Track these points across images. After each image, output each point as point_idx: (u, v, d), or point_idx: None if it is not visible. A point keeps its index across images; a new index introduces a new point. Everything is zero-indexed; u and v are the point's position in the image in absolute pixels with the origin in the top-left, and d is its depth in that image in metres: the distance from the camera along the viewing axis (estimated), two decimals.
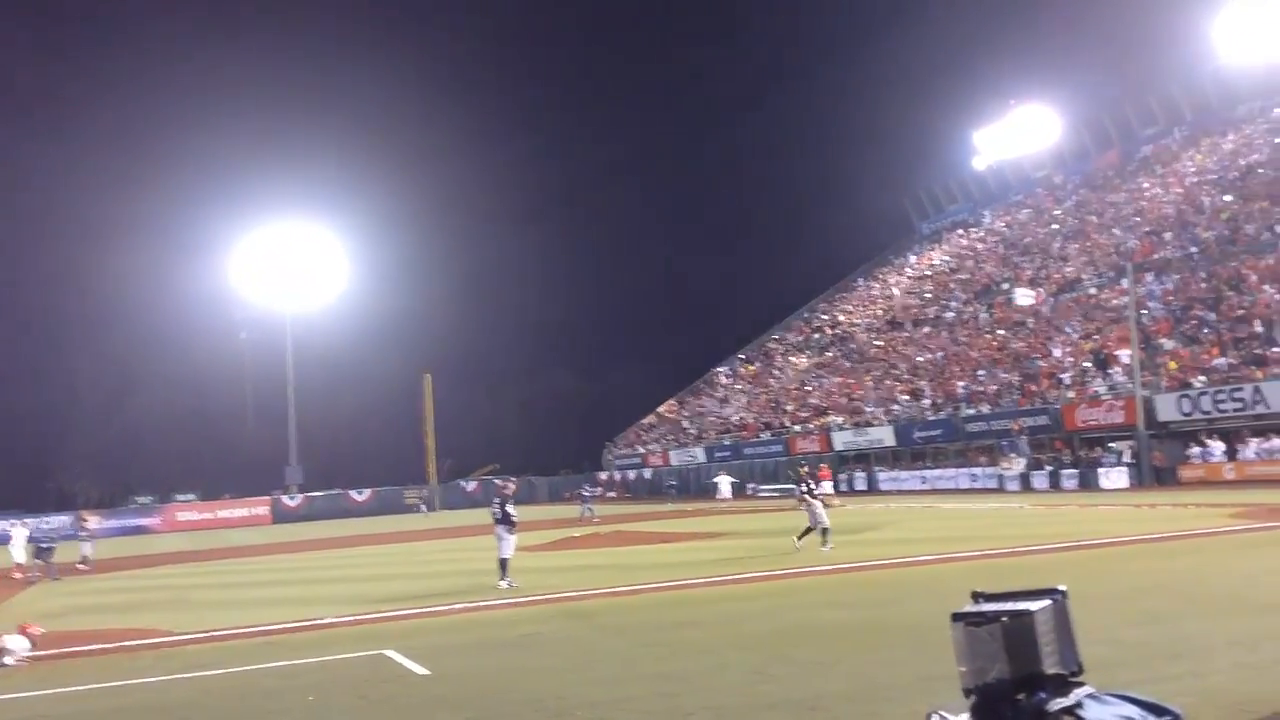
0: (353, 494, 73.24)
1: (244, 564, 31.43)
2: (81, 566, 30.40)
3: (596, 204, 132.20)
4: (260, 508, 69.93)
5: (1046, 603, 2.62)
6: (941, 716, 2.67)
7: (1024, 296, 55.61)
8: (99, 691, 11.43)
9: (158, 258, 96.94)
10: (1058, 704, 2.44)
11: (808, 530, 22.35)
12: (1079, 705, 2.44)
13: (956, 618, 2.57)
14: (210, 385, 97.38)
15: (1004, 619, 2.56)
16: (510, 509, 18.99)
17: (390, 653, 12.29)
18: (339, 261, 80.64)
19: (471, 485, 77.17)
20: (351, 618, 16.00)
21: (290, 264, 77.63)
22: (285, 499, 71.92)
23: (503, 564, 18.65)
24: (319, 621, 15.79)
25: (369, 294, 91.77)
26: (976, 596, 2.70)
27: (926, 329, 65.49)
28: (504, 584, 18.31)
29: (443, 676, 10.92)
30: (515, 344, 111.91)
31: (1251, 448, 37.93)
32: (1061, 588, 2.64)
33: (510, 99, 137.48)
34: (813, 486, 23.06)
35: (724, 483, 52.18)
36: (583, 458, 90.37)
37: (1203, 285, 46.77)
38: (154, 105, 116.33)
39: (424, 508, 62.99)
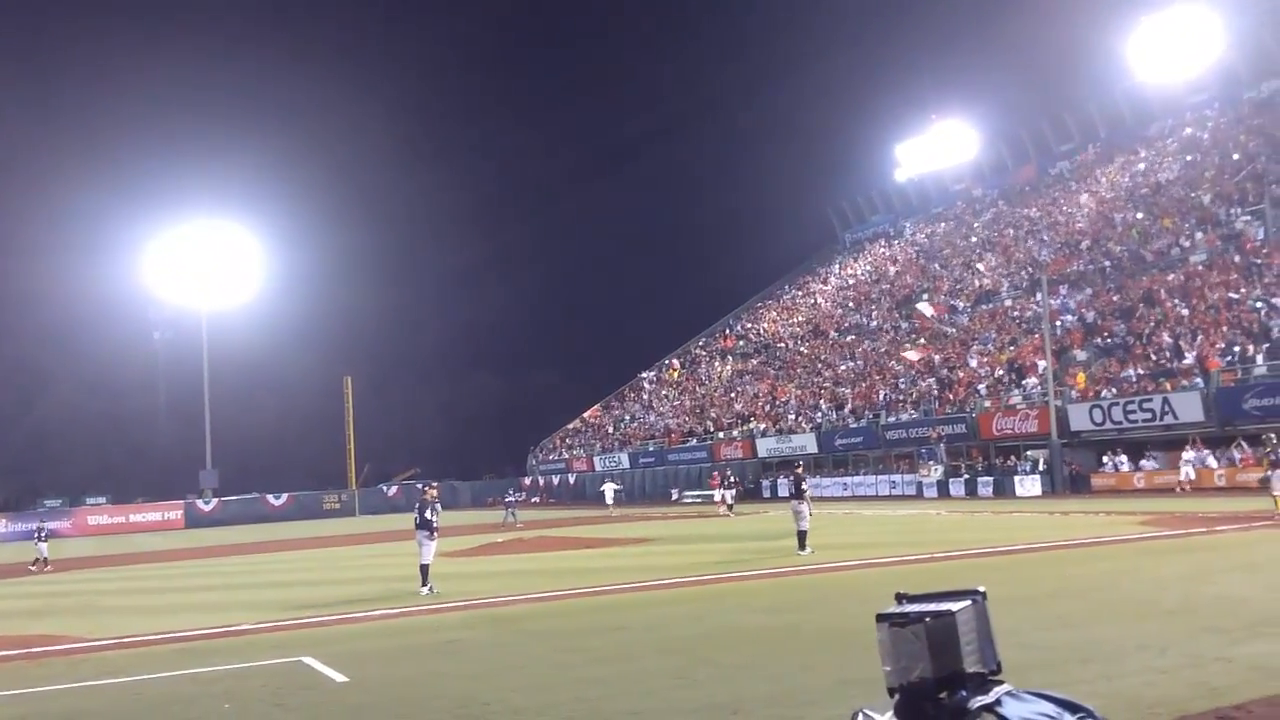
0: (270, 498, 72.01)
1: (157, 569, 30.70)
2: None
3: (524, 207, 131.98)
4: (173, 512, 68.41)
5: (967, 603, 2.69)
6: (867, 715, 2.72)
7: (925, 307, 56.93)
8: (4, 700, 11.07)
9: (68, 256, 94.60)
10: (978, 701, 2.51)
11: (802, 535, 21.85)
12: (998, 702, 2.51)
13: (881, 618, 2.62)
14: (122, 386, 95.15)
15: (927, 619, 2.62)
16: (431, 514, 18.81)
17: (308, 660, 12.09)
18: (257, 261, 79.39)
19: (392, 490, 76.33)
20: (269, 624, 15.72)
21: (206, 263, 76.10)
22: (200, 503, 70.43)
23: (424, 570, 18.47)
24: (235, 628, 15.49)
25: (288, 294, 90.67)
26: (900, 598, 2.76)
27: (849, 337, 66.35)
28: (425, 590, 18.14)
29: (362, 684, 10.77)
30: (439, 347, 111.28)
31: (1160, 458, 39.09)
32: (981, 589, 2.71)
33: (438, 99, 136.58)
34: (804, 490, 22.37)
35: (608, 490, 52.60)
36: (506, 462, 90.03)
37: (1114, 299, 48.05)
38: (64, 102, 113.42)
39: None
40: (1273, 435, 27.49)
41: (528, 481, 78.88)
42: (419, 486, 21.93)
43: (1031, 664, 9.37)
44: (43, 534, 34.04)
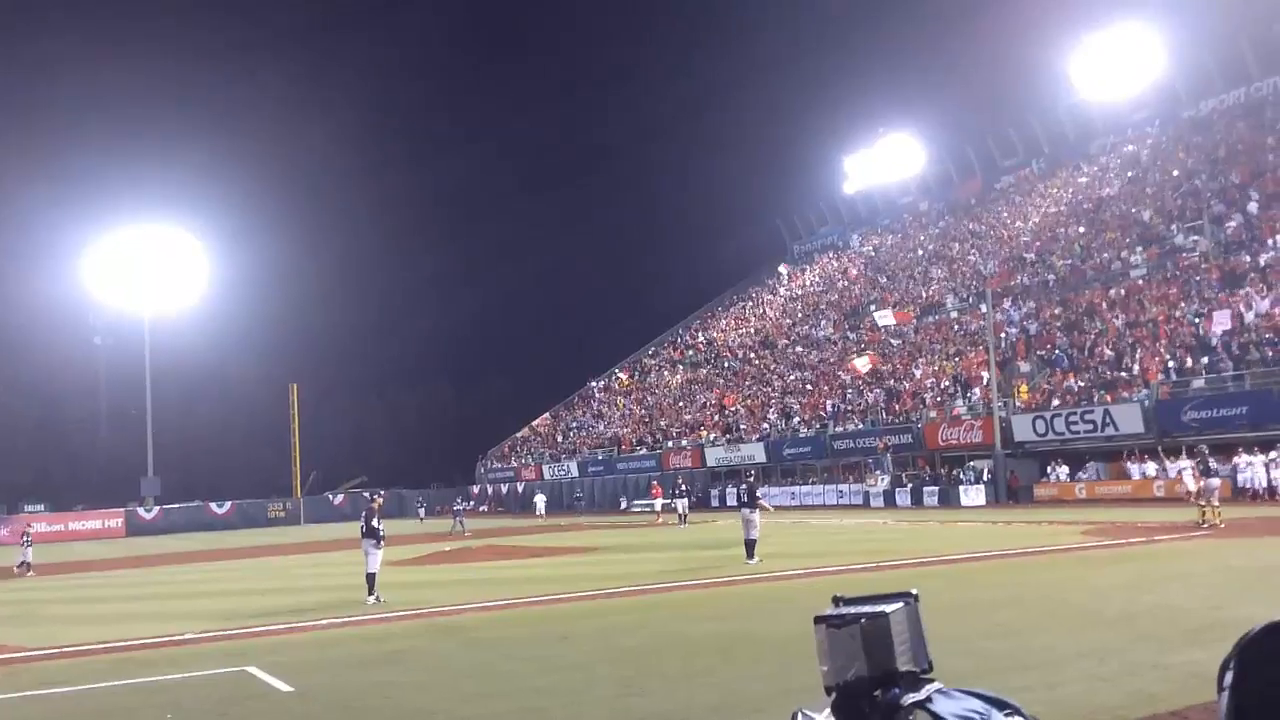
0: (213, 506, 70.95)
1: (97, 578, 30.15)
2: None
3: (475, 217, 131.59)
4: (114, 520, 67.18)
5: (900, 605, 2.81)
6: (806, 715, 2.81)
7: (884, 317, 57.43)
8: None
9: (5, 258, 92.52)
10: (910, 698, 2.62)
11: (749, 544, 21.98)
12: (929, 699, 2.61)
13: (819, 620, 2.72)
14: (62, 392, 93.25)
15: (863, 621, 2.73)
16: (377, 523, 18.72)
17: (253, 669, 11.96)
18: (201, 265, 78.20)
19: (338, 498, 75.61)
20: (212, 633, 15.51)
21: (148, 267, 74.83)
22: (141, 511, 69.22)
23: (370, 579, 18.33)
24: (178, 637, 15.26)
25: (233, 300, 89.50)
26: (837, 600, 2.86)
27: (798, 348, 66.82)
28: (371, 599, 18.00)
29: (307, 693, 10.67)
30: (387, 354, 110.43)
31: (1100, 468, 39.75)
32: (914, 592, 2.82)
33: (389, 108, 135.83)
34: (757, 499, 22.74)
35: (540, 502, 56.75)
36: (455, 471, 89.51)
37: (1057, 312, 48.86)
38: (4, 101, 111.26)
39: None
40: (1204, 447, 28.09)
41: (476, 490, 78.47)
42: (366, 495, 21.79)
43: (974, 671, 9.50)
44: (28, 538, 34.02)
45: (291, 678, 11.29)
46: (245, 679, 11.58)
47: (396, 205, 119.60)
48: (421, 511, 60.40)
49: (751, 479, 23.67)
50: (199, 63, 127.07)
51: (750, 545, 21.96)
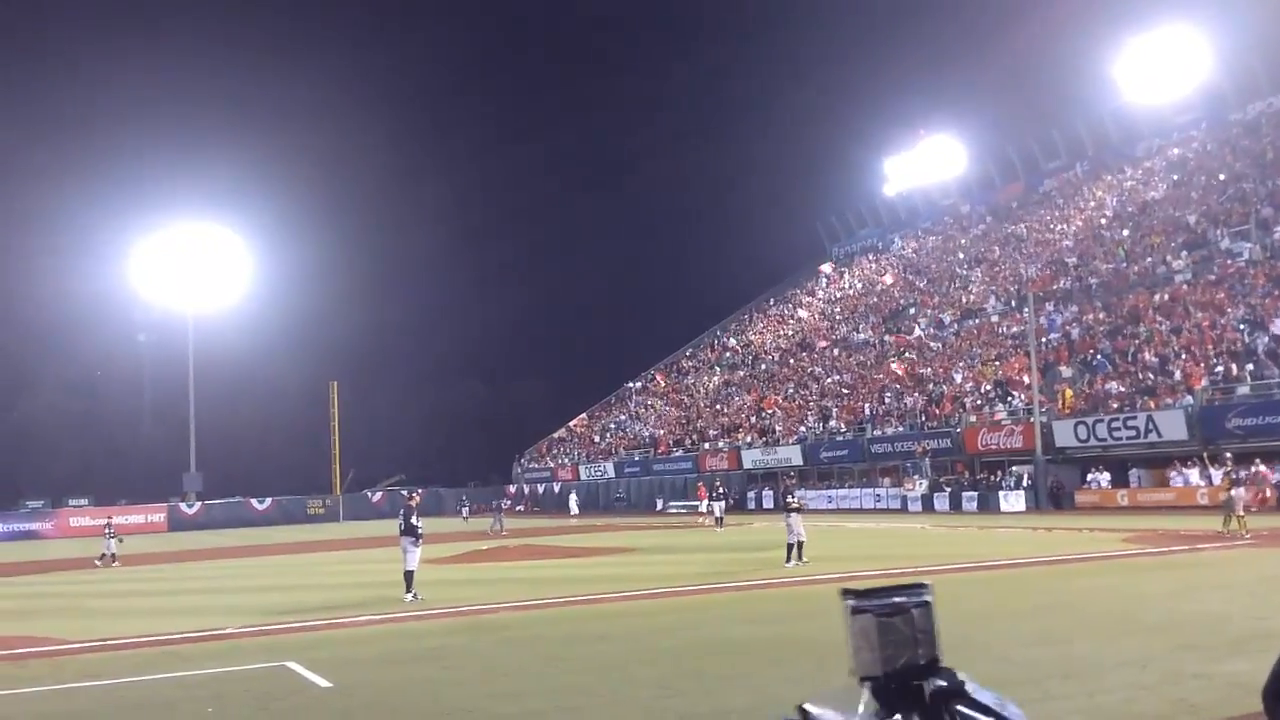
0: (253, 502, 71.74)
1: (140, 572, 30.56)
2: None
3: (514, 214, 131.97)
4: (157, 515, 68.02)
5: (928, 595, 2.83)
6: (805, 710, 2.82)
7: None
8: None
9: (54, 255, 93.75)
10: (949, 685, 2.63)
11: (790, 548, 22.05)
12: (969, 687, 2.63)
13: (859, 609, 2.71)
14: (107, 387, 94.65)
15: (914, 609, 2.74)
16: (415, 521, 18.86)
17: (292, 664, 12.08)
18: (243, 264, 79.06)
19: (377, 496, 76.15)
20: (252, 628, 15.69)
21: (193, 265, 75.80)
22: (183, 506, 70.11)
23: (408, 576, 18.46)
24: (219, 632, 15.45)
25: (275, 298, 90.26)
26: (847, 594, 2.86)
27: (836, 351, 66.53)
28: (409, 597, 18.13)
29: (346, 689, 10.77)
30: (425, 353, 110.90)
31: (1142, 475, 39.25)
32: (926, 583, 2.84)
33: (432, 108, 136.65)
34: (796, 501, 22.92)
35: (573, 501, 59.47)
36: (491, 470, 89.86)
37: (1100, 316, 48.32)
38: (55, 101, 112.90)
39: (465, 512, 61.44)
40: (1229, 455, 27.68)
41: (513, 490, 78.76)
42: (404, 493, 21.98)
43: (1013, 679, 9.44)
44: (111, 530, 34.35)
45: (330, 673, 11.40)
46: (285, 674, 11.71)
47: (438, 205, 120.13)
48: (465, 511, 60.69)
49: (789, 482, 23.67)
50: (245, 61, 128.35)
51: (789, 549, 21.93)
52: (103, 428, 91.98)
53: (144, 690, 11.31)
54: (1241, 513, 24.78)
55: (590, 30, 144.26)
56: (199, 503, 70.94)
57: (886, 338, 63.12)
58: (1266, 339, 38.38)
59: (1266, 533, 24.21)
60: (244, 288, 79.98)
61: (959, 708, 2.53)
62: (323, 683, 11.04)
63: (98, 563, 32.81)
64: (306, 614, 17.13)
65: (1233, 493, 25.15)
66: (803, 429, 57.14)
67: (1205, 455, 36.35)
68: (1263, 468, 34.01)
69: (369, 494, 77.49)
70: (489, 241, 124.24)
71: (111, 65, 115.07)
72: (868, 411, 53.86)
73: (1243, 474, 28.92)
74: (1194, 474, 37.36)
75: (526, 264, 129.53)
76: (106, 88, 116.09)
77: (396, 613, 16.89)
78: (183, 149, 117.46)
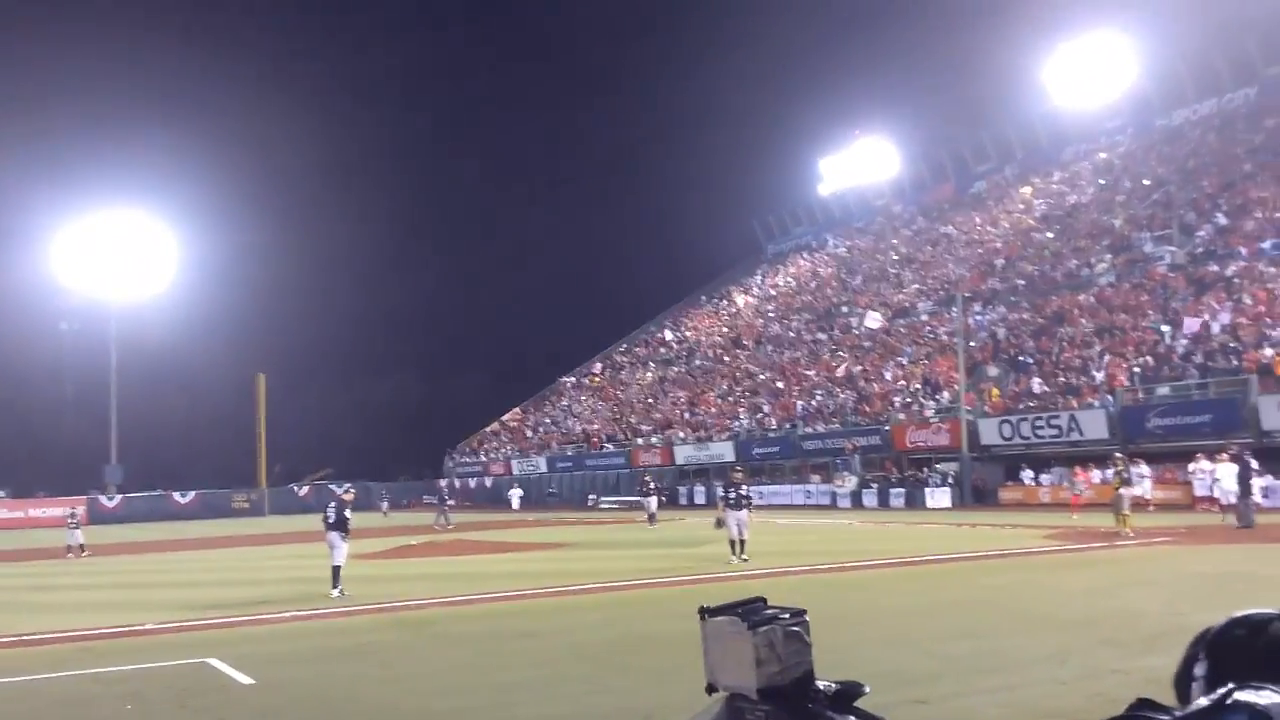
0: (176, 496, 70.33)
1: (58, 566, 29.83)
2: None
3: (447, 208, 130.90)
4: (76, 507, 66.22)
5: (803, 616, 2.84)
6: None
7: (872, 319, 57.51)
8: None
9: None
10: (833, 689, 2.64)
11: (733, 544, 21.71)
12: (843, 693, 2.64)
13: (759, 622, 2.70)
14: (25, 377, 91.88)
15: (805, 618, 2.75)
16: (348, 514, 18.66)
17: (214, 661, 11.87)
18: (169, 253, 77.42)
19: (303, 490, 75.13)
20: (173, 624, 15.38)
21: (117, 253, 74.10)
22: (103, 499, 68.48)
23: (335, 572, 18.23)
24: (139, 628, 15.13)
25: (201, 288, 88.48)
26: (704, 611, 2.87)
27: (769, 348, 66.99)
28: (336, 592, 17.91)
29: (269, 686, 10.61)
30: (355, 345, 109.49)
31: (1064, 473, 40.05)
32: (763, 598, 2.85)
33: (362, 93, 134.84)
34: (738, 496, 22.08)
35: (515, 495, 59.50)
36: (422, 464, 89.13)
37: (1026, 317, 49.24)
38: None
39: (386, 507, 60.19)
40: (1121, 456, 28.52)
41: (444, 484, 78.17)
42: (333, 488, 21.73)
43: (938, 674, 9.58)
44: (74, 520, 34.04)
45: (253, 670, 11.22)
46: (206, 670, 11.50)
47: (371, 196, 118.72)
48: (385, 505, 59.98)
49: (739, 473, 23.51)
50: (171, 46, 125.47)
51: (733, 544, 21.78)
52: (21, 418, 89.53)
53: (62, 687, 11.04)
54: (1128, 511, 25.49)
55: (527, 26, 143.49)
56: (119, 495, 69.39)
57: (820, 335, 63.72)
58: (1186, 341, 39.40)
59: (1133, 534, 24.64)
60: (170, 277, 78.29)
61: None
62: (245, 680, 10.86)
63: (69, 555, 32.11)
64: (229, 610, 16.83)
65: (1121, 492, 25.91)
66: (736, 425, 57.48)
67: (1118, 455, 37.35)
68: (1145, 468, 34.98)
69: (295, 488, 76.41)
70: (422, 234, 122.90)
71: (31, 47, 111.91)
72: (799, 409, 54.35)
73: (1132, 474, 29.84)
74: (1111, 473, 38.28)
75: (460, 257, 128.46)
76: (27, 69, 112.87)
77: (322, 608, 16.67)
78: (108, 133, 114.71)
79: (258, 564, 27.46)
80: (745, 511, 22.09)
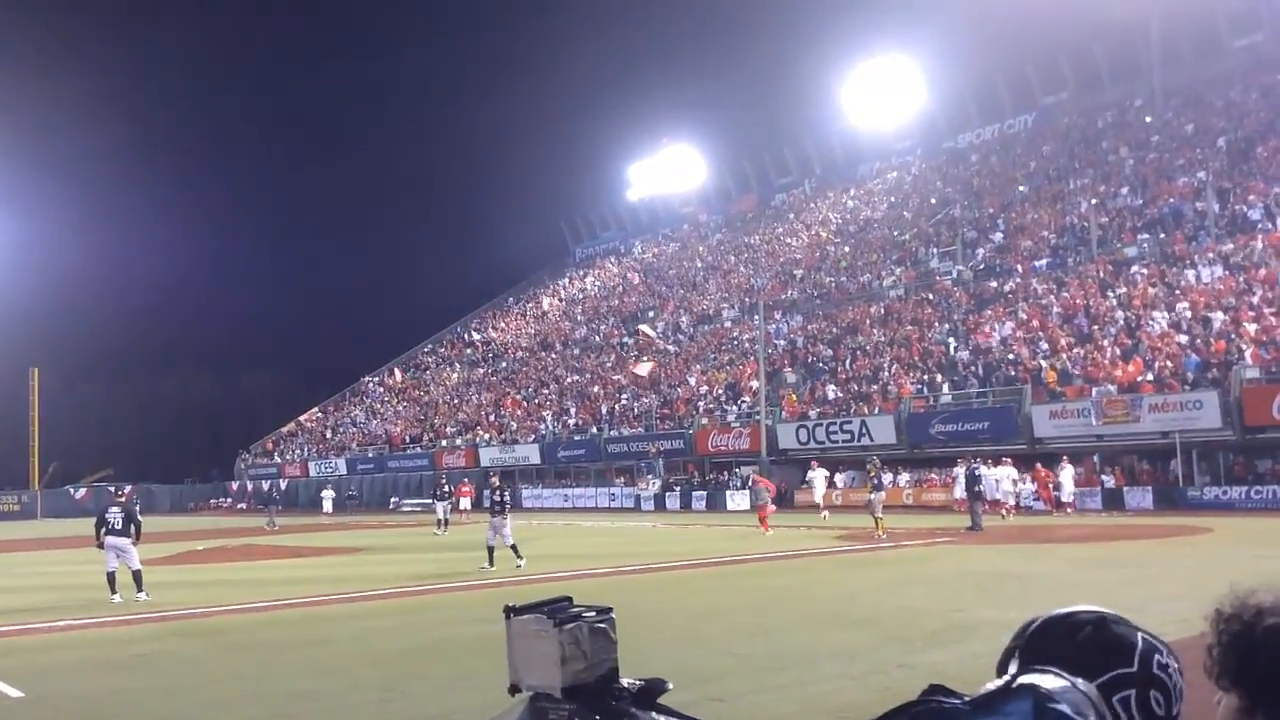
0: None
1: None
2: None
3: (239, 200, 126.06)
4: None
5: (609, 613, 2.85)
6: None
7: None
8: None
9: None
10: (637, 685, 2.66)
11: (491, 551, 21.40)
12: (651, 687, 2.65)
13: (567, 619, 2.68)
14: None
15: (611, 614, 2.74)
16: (139, 516, 17.97)
17: None
18: None
19: (81, 492, 70.84)
20: None
21: None
22: None
23: (110, 578, 17.33)
24: None
25: None
26: (509, 610, 2.86)
27: (575, 351, 67.26)
28: (144, 595, 17.24)
29: (40, 700, 9.93)
30: (138, 341, 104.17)
31: (852, 475, 41.80)
32: (570, 596, 2.87)
33: (140, 72, 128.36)
34: (505, 502, 21.91)
35: (327, 498, 55.69)
36: (212, 465, 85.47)
37: (822, 326, 51.12)
38: None
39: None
40: (877, 459, 30.23)
41: (235, 486, 75.16)
42: (111, 489, 20.61)
43: (731, 671, 9.81)
44: None
45: (22, 683, 10.48)
46: None
47: (157, 188, 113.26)
48: (166, 506, 57.30)
49: (495, 479, 23.19)
50: None
51: (494, 551, 21.48)
52: None
53: None
54: (880, 515, 26.91)
55: (328, 20, 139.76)
56: None
57: (626, 339, 64.40)
58: (967, 353, 41.72)
59: (884, 536, 25.93)
60: None
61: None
62: (14, 693, 10.14)
63: None
64: None
65: (872, 497, 27.41)
66: (541, 428, 57.43)
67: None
68: (889, 476, 37.23)
69: (72, 490, 72.02)
70: (218, 227, 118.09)
71: None
72: (605, 412, 54.77)
73: (885, 480, 31.76)
74: (903, 477, 40.31)
75: (258, 252, 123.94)
76: None
77: (99, 617, 15.73)
78: None
79: (28, 570, 25.68)
80: (502, 517, 21.61)
